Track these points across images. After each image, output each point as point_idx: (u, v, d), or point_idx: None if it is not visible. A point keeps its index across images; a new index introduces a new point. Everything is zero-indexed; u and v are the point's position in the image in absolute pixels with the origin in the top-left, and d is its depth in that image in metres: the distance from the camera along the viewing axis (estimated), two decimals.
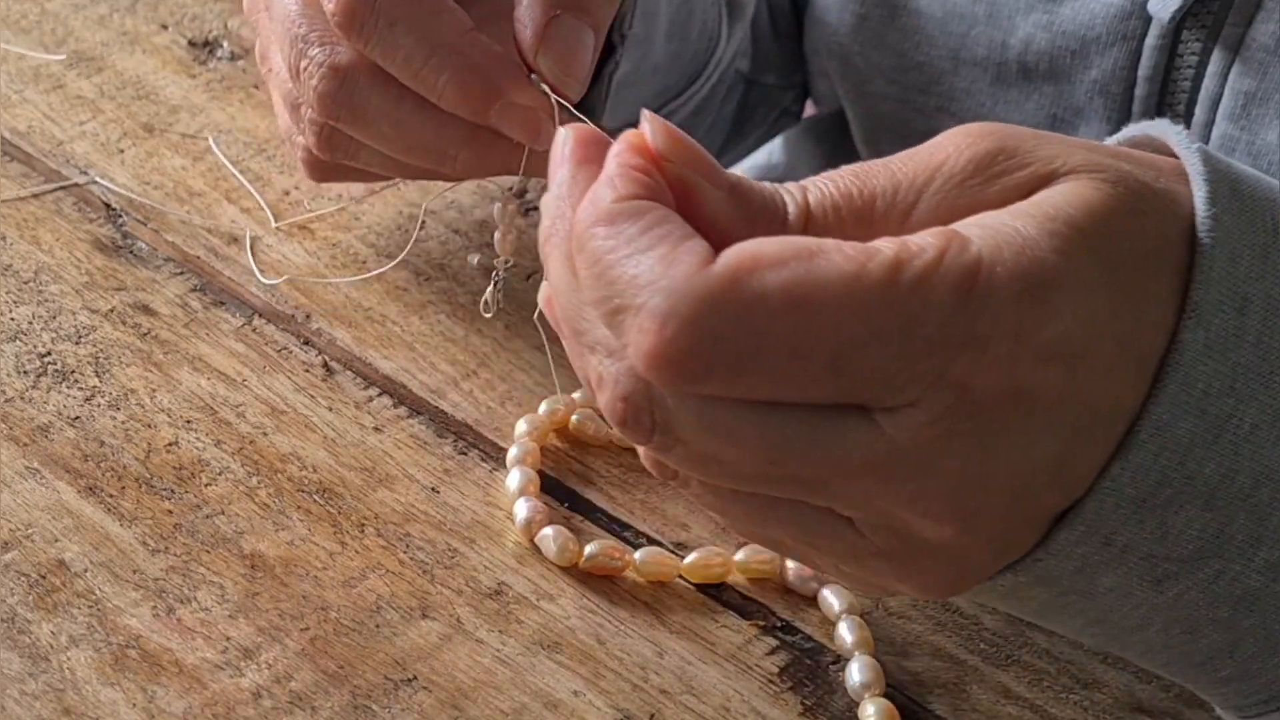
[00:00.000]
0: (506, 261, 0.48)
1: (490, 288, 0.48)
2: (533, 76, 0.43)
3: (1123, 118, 0.57)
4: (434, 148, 0.45)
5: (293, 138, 0.48)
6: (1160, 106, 0.57)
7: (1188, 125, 0.56)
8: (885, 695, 0.41)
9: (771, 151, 0.82)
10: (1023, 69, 0.59)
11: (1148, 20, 0.54)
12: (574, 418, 0.47)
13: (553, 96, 0.43)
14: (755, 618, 0.43)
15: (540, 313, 0.36)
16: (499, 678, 0.41)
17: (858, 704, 0.41)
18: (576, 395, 0.48)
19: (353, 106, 0.44)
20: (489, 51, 0.43)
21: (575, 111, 0.42)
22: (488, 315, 0.49)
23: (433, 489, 0.45)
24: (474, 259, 0.53)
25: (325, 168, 0.49)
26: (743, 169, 0.83)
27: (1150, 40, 0.55)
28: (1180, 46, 0.55)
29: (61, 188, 0.55)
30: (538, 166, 0.42)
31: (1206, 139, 0.56)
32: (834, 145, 0.74)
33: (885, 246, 0.29)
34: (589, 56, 0.43)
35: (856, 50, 0.64)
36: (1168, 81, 0.56)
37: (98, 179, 0.55)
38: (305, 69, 0.44)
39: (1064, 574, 0.33)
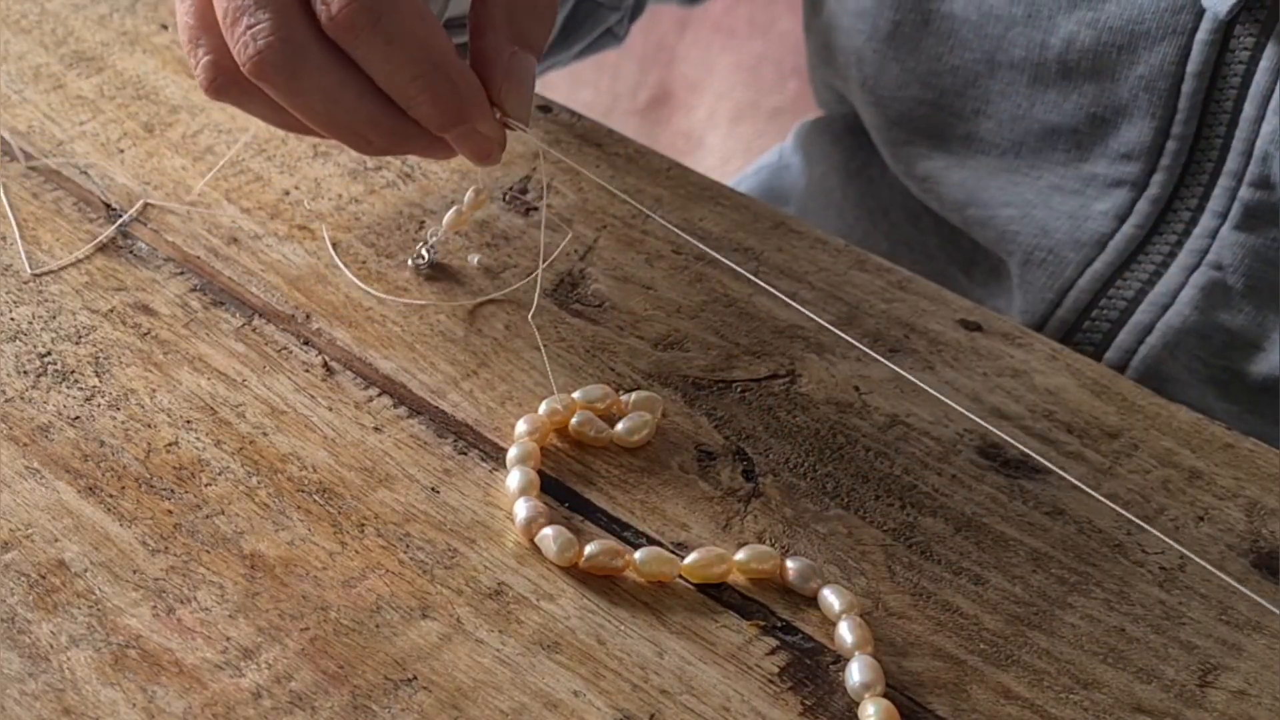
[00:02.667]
0: (434, 235, 0.53)
1: (421, 245, 0.53)
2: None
3: (1168, 114, 0.57)
4: (355, 130, 0.45)
5: (195, 54, 0.46)
6: (1208, 102, 0.56)
7: (1235, 122, 0.56)
8: (885, 695, 0.41)
9: (784, 151, 0.82)
10: (1063, 68, 0.59)
11: (1199, 14, 0.54)
12: (574, 420, 0.47)
13: (518, 127, 0.46)
14: (755, 618, 0.43)
15: (533, 313, 0.37)
16: (499, 678, 0.41)
17: (858, 704, 0.41)
18: (577, 395, 0.48)
19: (290, 77, 0.43)
20: (469, 80, 0.44)
21: (540, 143, 0.48)
22: (414, 273, 0.53)
23: (433, 489, 0.45)
24: (474, 259, 0.53)
25: (220, 94, 0.47)
26: (755, 168, 0.83)
27: (1201, 35, 0.54)
28: (1232, 41, 0.54)
29: (61, 188, 0.55)
30: (444, 154, 0.47)
31: (1255, 135, 0.56)
32: (851, 146, 0.74)
33: None
34: (534, 88, 0.46)
35: (891, 56, 0.63)
36: (1217, 77, 0.56)
37: (97, 179, 0.55)
38: (251, 28, 0.43)
39: None
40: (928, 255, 0.69)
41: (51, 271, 0.51)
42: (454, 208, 0.53)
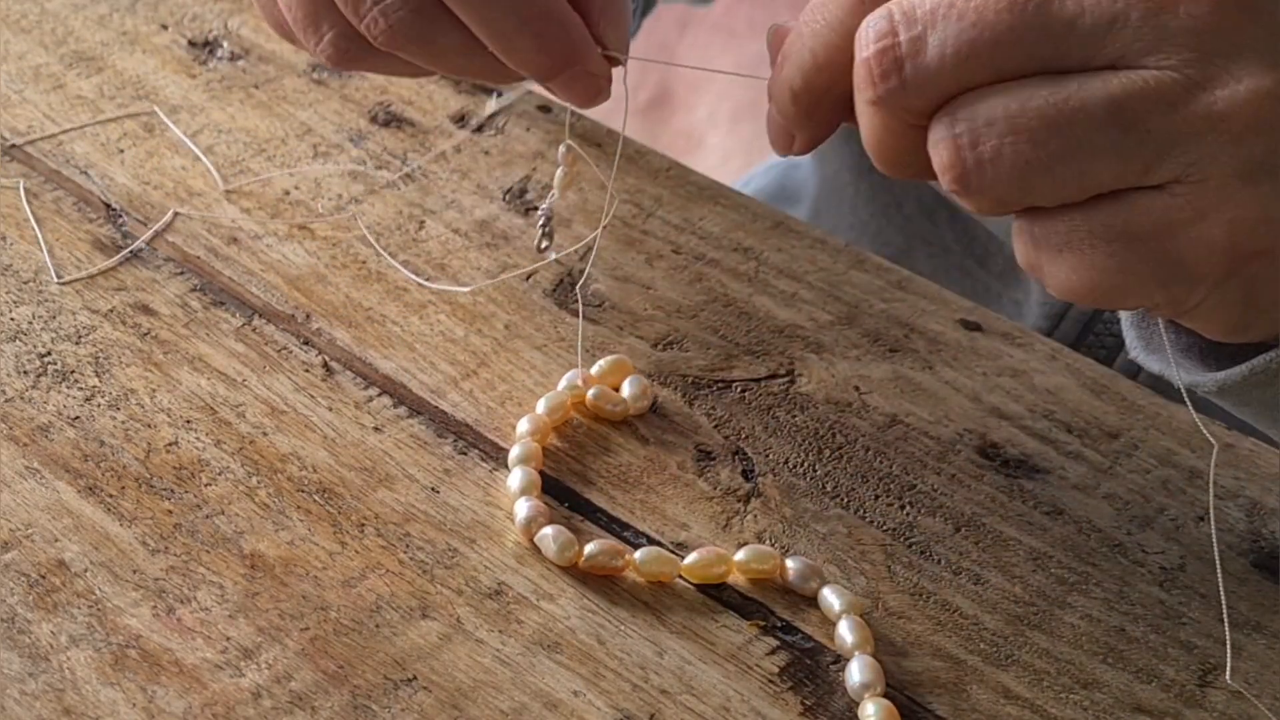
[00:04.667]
0: (552, 197, 0.51)
1: (540, 224, 0.51)
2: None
3: None
4: (494, 70, 0.45)
5: (318, 32, 0.46)
6: None
7: None
8: (885, 695, 0.41)
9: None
10: None
11: None
12: (590, 393, 0.48)
13: (620, 59, 0.45)
14: (755, 618, 0.43)
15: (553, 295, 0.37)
16: (499, 678, 0.41)
17: (858, 704, 0.41)
18: (594, 370, 0.49)
19: (426, 43, 0.44)
20: (571, 21, 0.44)
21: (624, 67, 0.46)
22: (547, 254, 0.52)
23: (433, 489, 0.45)
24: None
25: (350, 65, 0.47)
26: (765, 167, 0.83)
27: None
28: None
29: (61, 187, 0.55)
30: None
31: None
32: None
33: None
34: (629, 16, 0.46)
35: None
36: None
37: (98, 179, 0.55)
38: (379, 3, 0.43)
39: None
40: (944, 249, 0.69)
41: (79, 280, 0.51)
42: (559, 169, 0.51)
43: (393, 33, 0.43)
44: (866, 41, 0.37)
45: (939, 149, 0.36)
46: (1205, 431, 0.43)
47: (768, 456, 0.48)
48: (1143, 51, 0.34)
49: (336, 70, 0.45)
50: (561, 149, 0.50)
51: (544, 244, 0.51)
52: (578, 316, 0.52)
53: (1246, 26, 0.34)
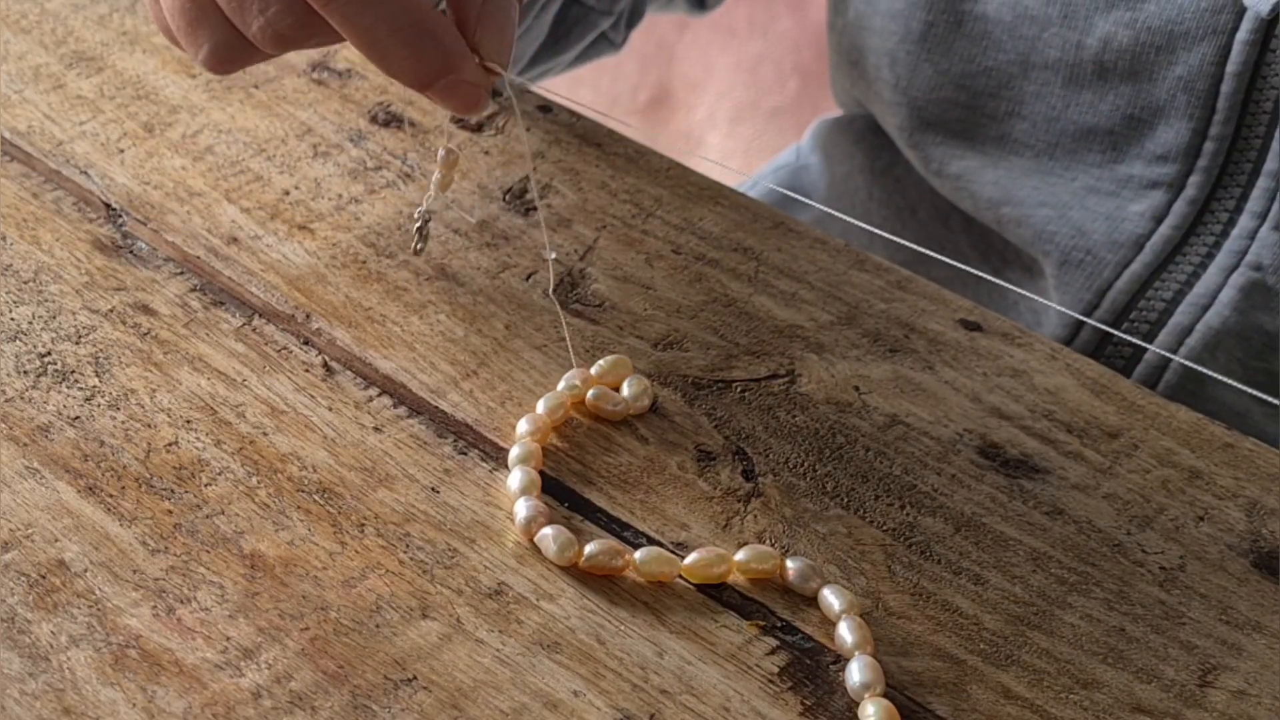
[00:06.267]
0: (431, 199, 0.52)
1: (417, 225, 0.52)
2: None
3: (1207, 115, 0.57)
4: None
5: (198, 37, 0.46)
6: (1247, 103, 0.56)
7: (1274, 122, 0.56)
8: (885, 695, 0.41)
9: (801, 150, 0.81)
10: (1099, 69, 0.58)
11: (1240, 14, 0.54)
12: (590, 393, 0.48)
13: (499, 71, 0.45)
14: (755, 618, 0.43)
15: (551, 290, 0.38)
16: (499, 678, 0.41)
17: (858, 704, 0.41)
18: (593, 370, 0.49)
19: (308, 43, 0.44)
20: (444, 30, 0.44)
21: (511, 83, 0.46)
22: (416, 256, 0.52)
23: (433, 489, 0.45)
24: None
25: (232, 68, 0.48)
26: (773, 168, 0.83)
27: (1242, 34, 0.54)
28: (1273, 41, 0.54)
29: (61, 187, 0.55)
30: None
31: None
32: (875, 145, 0.73)
33: None
34: (515, 30, 0.46)
35: (924, 58, 0.63)
36: (1256, 78, 0.55)
37: (98, 179, 0.55)
38: (262, 8, 0.43)
39: None
40: (959, 255, 0.69)
41: (79, 280, 0.51)
42: (435, 172, 0.52)
43: (278, 38, 0.43)
44: None
45: None
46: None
47: (768, 457, 0.48)
48: None
49: (217, 73, 0.46)
50: (441, 152, 0.50)
51: (419, 246, 0.52)
52: (575, 316, 0.52)
53: None
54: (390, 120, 0.60)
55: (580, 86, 1.79)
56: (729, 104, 1.85)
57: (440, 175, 0.51)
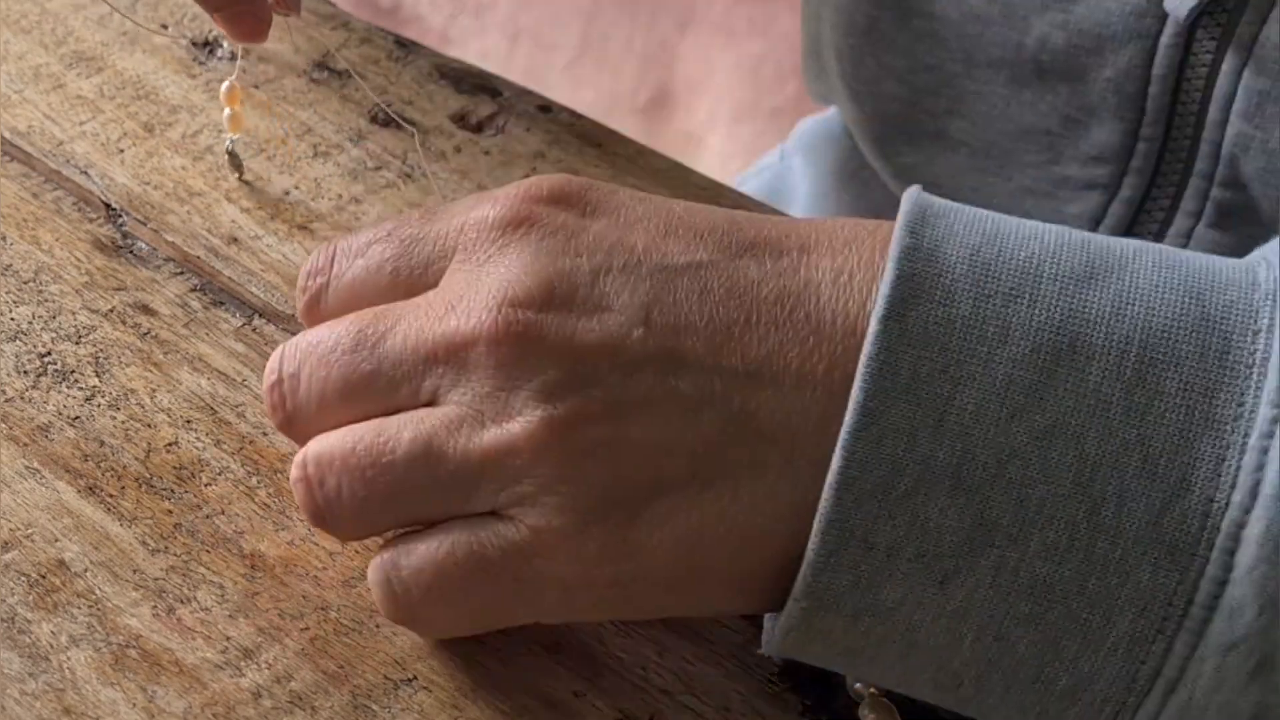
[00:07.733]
0: (228, 139, 0.57)
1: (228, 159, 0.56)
2: None
3: (1136, 116, 0.57)
4: None
5: None
6: (1174, 105, 0.56)
7: (1201, 124, 0.56)
8: (885, 695, 0.41)
9: (785, 151, 0.81)
10: (1038, 68, 0.59)
11: (1163, 18, 0.54)
12: None
13: (287, 10, 0.53)
14: (755, 618, 0.43)
15: None
16: (499, 678, 0.41)
17: (858, 704, 0.41)
18: None
19: None
20: None
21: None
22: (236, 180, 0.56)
23: None
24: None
25: None
26: (757, 168, 0.83)
27: (1165, 39, 0.54)
28: (1194, 45, 0.54)
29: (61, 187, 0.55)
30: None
31: (1220, 139, 0.56)
32: (847, 146, 0.73)
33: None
34: None
35: (868, 52, 0.63)
36: (1181, 81, 0.56)
37: (98, 179, 0.55)
38: None
39: (843, 590, 0.34)
40: None
41: (79, 279, 0.51)
42: (225, 110, 0.56)
43: None
44: (269, 369, 0.40)
45: (297, 489, 0.38)
46: None
47: None
48: (448, 388, 0.37)
49: None
50: (224, 86, 0.56)
51: (235, 174, 0.56)
52: None
53: (529, 359, 0.36)
54: (390, 120, 0.60)
55: (581, 86, 1.79)
56: (729, 104, 1.85)
57: (229, 112, 0.56)
